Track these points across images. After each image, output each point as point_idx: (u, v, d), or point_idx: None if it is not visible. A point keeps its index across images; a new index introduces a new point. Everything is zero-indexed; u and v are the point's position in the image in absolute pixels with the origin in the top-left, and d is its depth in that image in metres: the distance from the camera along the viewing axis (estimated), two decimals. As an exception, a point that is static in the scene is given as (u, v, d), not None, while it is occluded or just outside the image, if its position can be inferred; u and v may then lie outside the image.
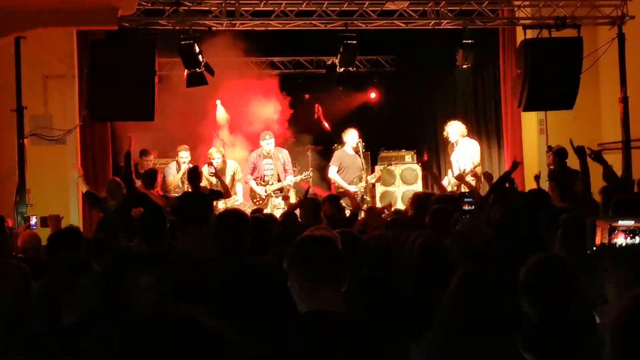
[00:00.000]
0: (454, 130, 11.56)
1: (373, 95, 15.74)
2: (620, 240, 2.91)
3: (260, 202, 11.65)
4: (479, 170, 11.32)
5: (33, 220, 8.16)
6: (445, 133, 11.69)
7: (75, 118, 11.13)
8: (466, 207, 6.93)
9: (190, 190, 9.43)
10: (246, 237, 4.57)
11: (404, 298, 4.93)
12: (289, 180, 11.76)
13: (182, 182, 11.59)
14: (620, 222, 2.98)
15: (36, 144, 10.78)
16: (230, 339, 1.64)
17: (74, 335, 4.17)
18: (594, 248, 2.91)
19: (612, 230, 2.97)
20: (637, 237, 2.92)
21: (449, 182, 11.18)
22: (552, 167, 11.19)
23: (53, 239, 5.45)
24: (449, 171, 11.67)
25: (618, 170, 11.14)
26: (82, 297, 4.19)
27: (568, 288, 3.22)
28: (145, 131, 12.54)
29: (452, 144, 11.65)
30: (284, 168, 11.88)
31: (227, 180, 11.88)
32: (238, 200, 11.84)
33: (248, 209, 12.13)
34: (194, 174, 9.37)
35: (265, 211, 11.01)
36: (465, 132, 11.61)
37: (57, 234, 5.49)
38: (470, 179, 11.12)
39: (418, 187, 13.36)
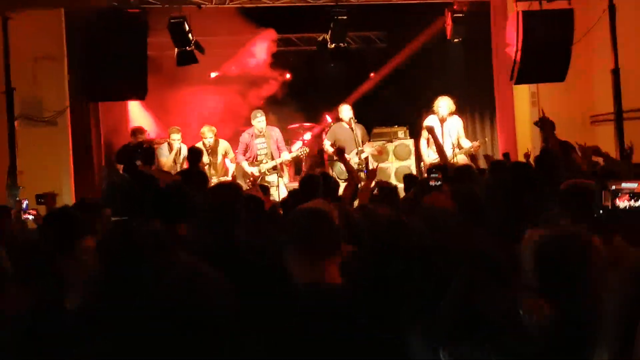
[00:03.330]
0: (445, 104, 11.51)
1: (371, 75, 15.76)
2: (624, 203, 2.90)
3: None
4: (473, 149, 11.30)
5: (25, 204, 8.07)
6: (435, 107, 11.63)
7: (65, 99, 11.06)
8: (432, 183, 6.92)
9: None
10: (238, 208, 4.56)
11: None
12: (285, 156, 11.72)
13: (175, 162, 11.64)
14: (624, 185, 2.97)
15: (27, 126, 10.73)
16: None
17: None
18: (600, 212, 2.90)
19: (616, 194, 2.97)
20: (639, 200, 2.92)
21: (432, 157, 11.27)
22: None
23: (48, 219, 5.40)
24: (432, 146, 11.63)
25: (611, 141, 11.18)
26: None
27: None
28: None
29: (442, 118, 11.57)
30: (277, 146, 11.84)
31: (219, 159, 11.90)
32: (228, 179, 11.83)
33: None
34: (196, 155, 9.31)
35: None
36: (453, 109, 11.55)
37: (52, 214, 5.43)
38: (462, 157, 11.14)
39: (411, 162, 13.35)
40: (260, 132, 11.74)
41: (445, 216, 4.36)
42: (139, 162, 9.52)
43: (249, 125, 11.92)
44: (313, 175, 6.99)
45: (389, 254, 3.84)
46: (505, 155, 9.54)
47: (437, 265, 3.48)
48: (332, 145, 11.59)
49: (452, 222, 4.38)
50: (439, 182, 6.51)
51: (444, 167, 7.23)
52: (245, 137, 11.89)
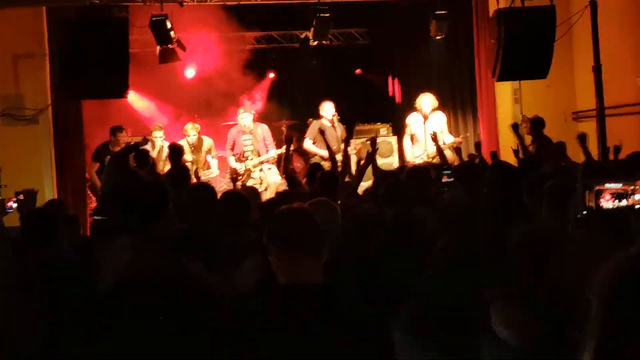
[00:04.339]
0: (427, 101, 11.55)
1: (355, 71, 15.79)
2: (609, 203, 2.91)
3: (239, 177, 11.62)
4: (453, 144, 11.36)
5: (13, 205, 7.94)
6: (417, 104, 11.66)
7: (47, 97, 10.99)
8: (445, 179, 6.92)
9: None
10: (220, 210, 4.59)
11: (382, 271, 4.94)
12: (272, 153, 11.66)
13: (158, 160, 11.61)
14: (607, 185, 2.98)
15: (8, 125, 10.66)
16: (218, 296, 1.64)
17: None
18: (584, 212, 2.91)
19: (599, 194, 2.97)
20: (624, 200, 2.93)
21: (416, 154, 11.33)
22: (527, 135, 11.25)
23: (30, 215, 5.36)
24: (416, 143, 11.66)
25: (593, 137, 11.24)
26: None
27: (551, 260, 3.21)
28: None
29: (425, 115, 11.60)
30: (265, 143, 11.79)
31: (202, 156, 11.88)
32: (213, 173, 11.83)
33: (225, 185, 12.15)
34: (176, 152, 9.15)
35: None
36: (436, 105, 11.60)
37: (36, 211, 5.40)
38: (448, 152, 11.16)
39: (394, 159, 13.36)
40: (246, 128, 11.72)
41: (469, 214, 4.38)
42: (134, 164, 9.35)
43: (231, 122, 11.94)
44: (331, 174, 6.97)
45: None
46: (493, 154, 9.59)
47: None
48: (314, 143, 11.56)
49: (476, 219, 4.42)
50: (452, 179, 6.53)
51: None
52: (232, 132, 11.91)
